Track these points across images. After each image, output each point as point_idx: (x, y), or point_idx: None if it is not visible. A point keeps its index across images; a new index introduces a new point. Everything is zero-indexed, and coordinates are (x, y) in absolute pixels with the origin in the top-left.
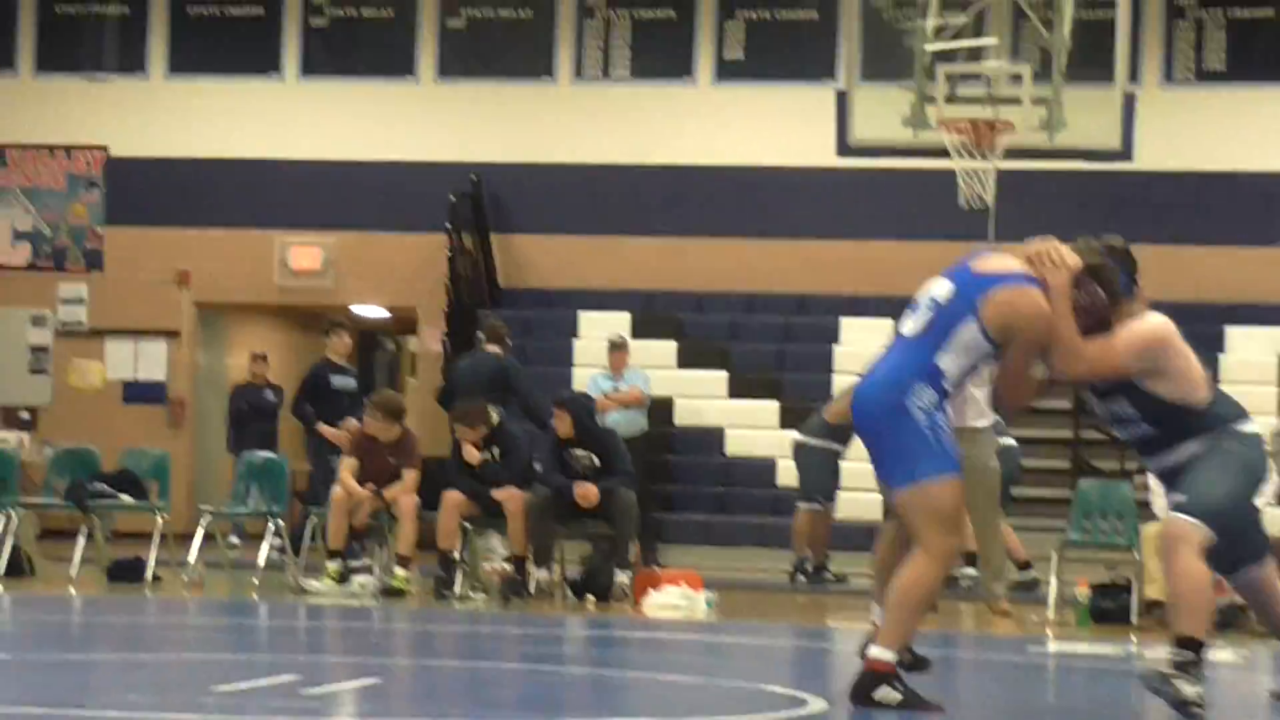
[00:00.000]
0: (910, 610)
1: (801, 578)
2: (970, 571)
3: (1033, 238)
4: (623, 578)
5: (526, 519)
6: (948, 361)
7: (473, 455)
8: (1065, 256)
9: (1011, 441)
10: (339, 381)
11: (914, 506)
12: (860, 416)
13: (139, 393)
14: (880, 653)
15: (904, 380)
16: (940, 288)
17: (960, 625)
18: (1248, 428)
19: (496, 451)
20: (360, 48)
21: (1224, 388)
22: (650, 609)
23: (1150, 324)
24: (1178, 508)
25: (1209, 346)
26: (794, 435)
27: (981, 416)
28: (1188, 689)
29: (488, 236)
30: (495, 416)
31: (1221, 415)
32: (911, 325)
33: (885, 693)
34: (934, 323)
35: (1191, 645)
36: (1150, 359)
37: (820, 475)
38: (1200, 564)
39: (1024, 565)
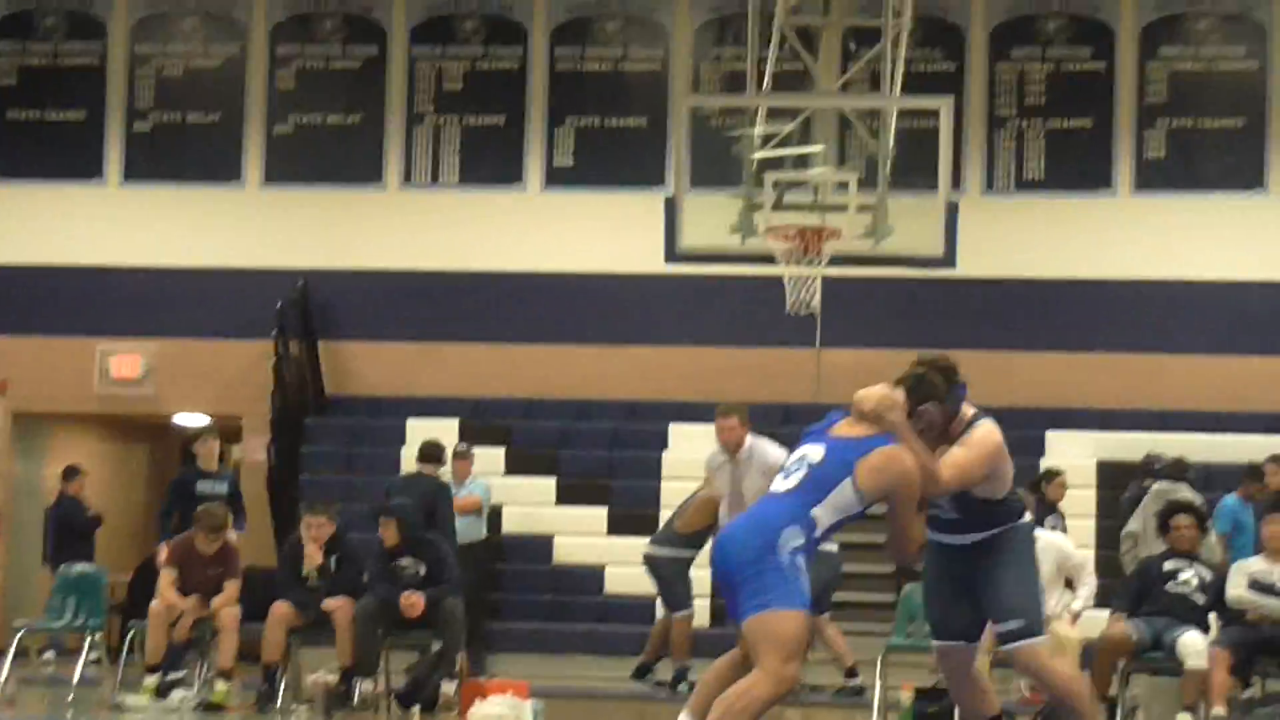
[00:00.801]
0: (734, 718)
1: (683, 687)
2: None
3: (862, 392)
4: (449, 688)
5: (353, 629)
6: (820, 513)
7: (315, 556)
8: (892, 396)
9: (832, 548)
10: (205, 487)
11: (760, 632)
12: (725, 559)
13: None
14: None
15: (777, 525)
16: (813, 452)
17: None
18: (1028, 518)
19: (334, 560)
20: (185, 153)
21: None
22: (476, 719)
23: (991, 435)
24: (1014, 635)
25: (1030, 451)
26: (645, 549)
27: None
28: None
29: (315, 343)
30: (336, 524)
31: (1014, 509)
32: (784, 484)
33: None
34: (809, 479)
35: None
36: (993, 469)
37: (680, 584)
38: (1060, 660)
39: (851, 671)
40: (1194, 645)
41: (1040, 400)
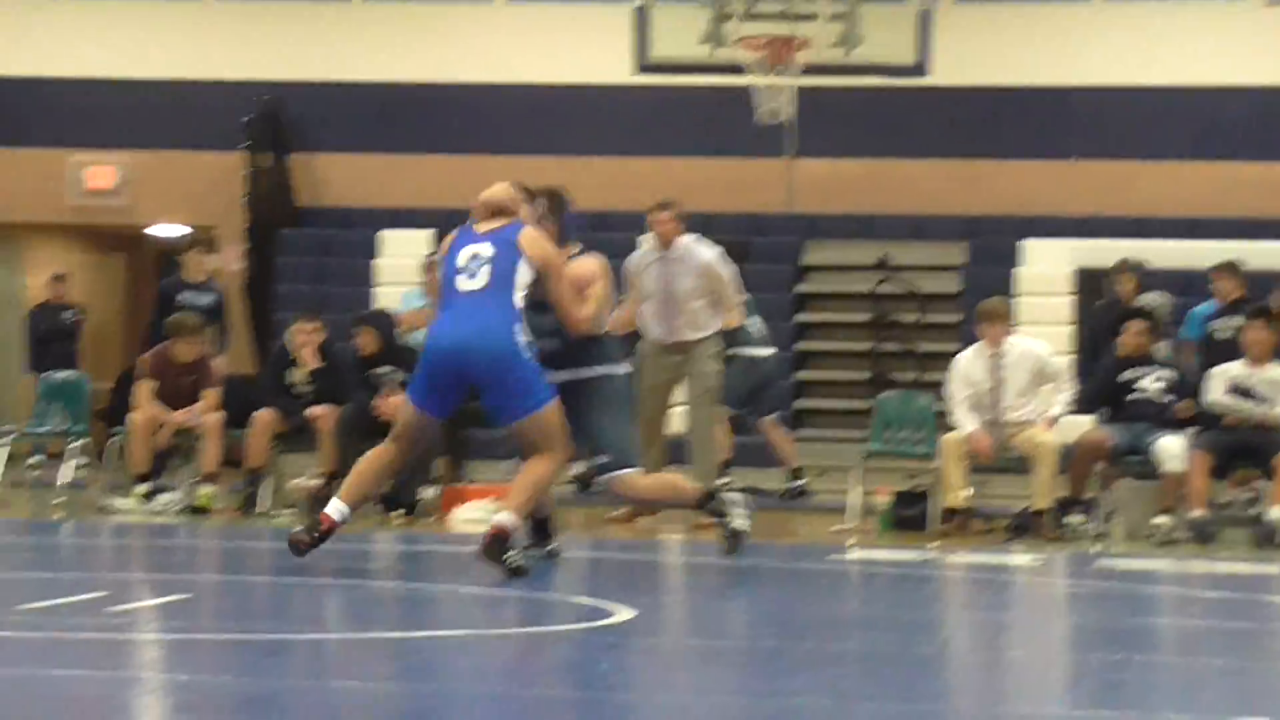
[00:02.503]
0: (534, 494)
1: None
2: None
3: (494, 187)
4: (430, 492)
5: (335, 436)
6: (518, 299)
7: (309, 361)
8: (514, 190)
9: (764, 352)
10: (188, 297)
11: (538, 428)
12: (477, 365)
13: None
14: (507, 519)
15: (508, 323)
16: (482, 249)
17: (765, 534)
18: (624, 369)
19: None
20: None
21: (1021, 300)
22: (457, 524)
23: (584, 266)
24: (606, 469)
25: (1005, 260)
26: None
27: (698, 330)
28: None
29: (286, 155)
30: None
31: (609, 353)
32: (475, 282)
33: (510, 553)
34: (495, 273)
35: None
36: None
37: None
38: (648, 478)
39: (796, 473)
40: (1171, 449)
41: (1015, 209)
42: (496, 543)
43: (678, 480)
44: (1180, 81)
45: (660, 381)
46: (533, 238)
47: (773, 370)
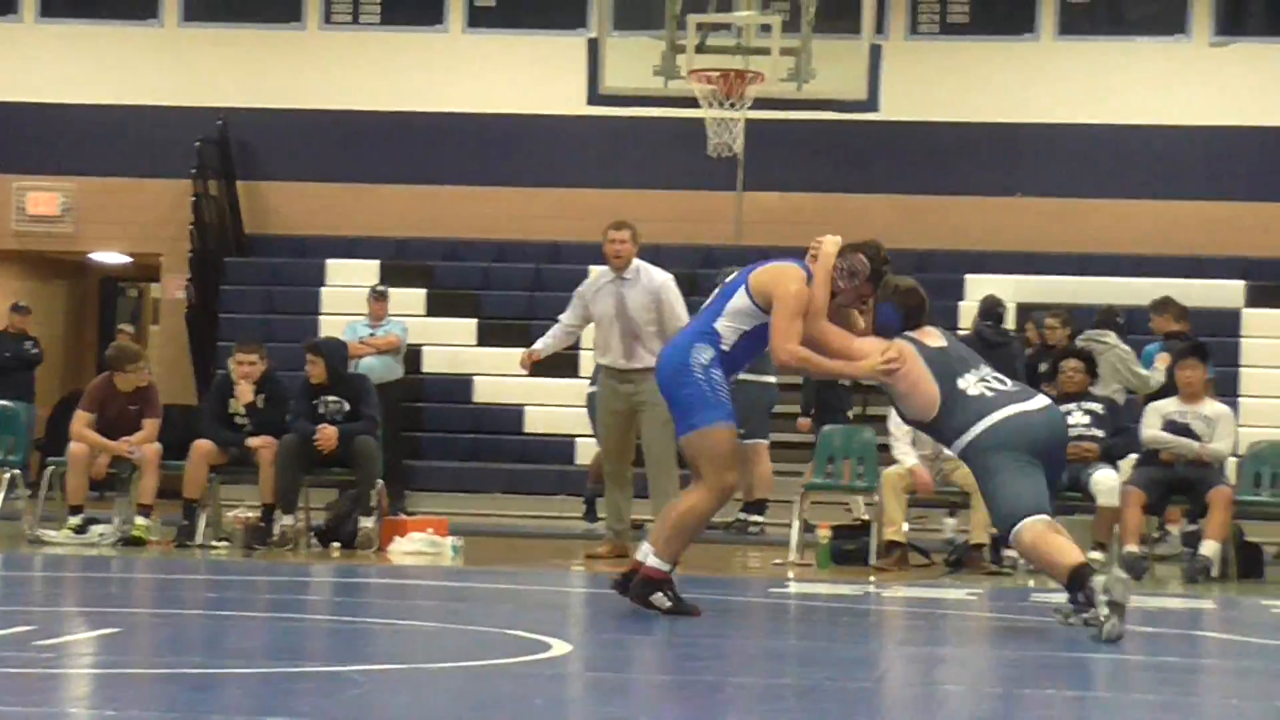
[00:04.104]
0: (685, 532)
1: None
2: (757, 518)
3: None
4: (368, 524)
5: (275, 466)
6: (723, 325)
7: (246, 394)
8: (837, 238)
9: (769, 379)
10: None
11: (695, 450)
12: (660, 380)
13: None
14: (657, 563)
15: (687, 342)
16: (732, 275)
17: (705, 567)
18: (970, 435)
19: (262, 398)
20: None
21: (963, 333)
22: (396, 556)
23: (864, 345)
24: (1001, 528)
25: (950, 294)
26: (589, 389)
27: (652, 357)
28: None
29: (234, 182)
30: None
31: (945, 430)
32: (706, 303)
33: (659, 598)
34: (718, 296)
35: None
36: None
37: None
38: (1040, 537)
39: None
40: (1106, 483)
41: (960, 244)
42: (647, 587)
43: (1064, 545)
44: (1126, 120)
45: (621, 408)
46: (768, 271)
47: (772, 397)
